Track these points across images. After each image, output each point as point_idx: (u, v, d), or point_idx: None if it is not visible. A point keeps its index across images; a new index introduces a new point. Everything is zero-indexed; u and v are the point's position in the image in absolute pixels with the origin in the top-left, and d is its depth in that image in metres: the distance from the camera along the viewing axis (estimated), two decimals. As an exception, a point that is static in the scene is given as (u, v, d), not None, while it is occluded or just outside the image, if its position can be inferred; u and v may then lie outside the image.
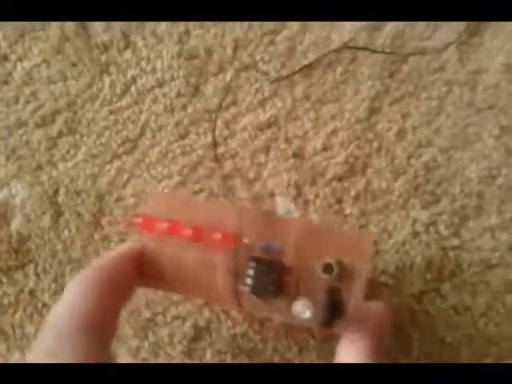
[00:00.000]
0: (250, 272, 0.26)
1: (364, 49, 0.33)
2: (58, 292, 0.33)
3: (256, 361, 0.32)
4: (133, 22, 0.34)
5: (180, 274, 0.27)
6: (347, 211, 0.32)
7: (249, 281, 0.26)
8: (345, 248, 0.27)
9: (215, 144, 0.33)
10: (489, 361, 0.31)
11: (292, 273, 0.27)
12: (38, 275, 0.33)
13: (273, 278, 0.26)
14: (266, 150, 0.33)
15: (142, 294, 0.32)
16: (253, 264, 0.26)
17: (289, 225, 0.27)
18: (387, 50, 0.33)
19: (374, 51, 0.33)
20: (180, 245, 0.27)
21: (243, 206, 0.31)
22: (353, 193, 0.32)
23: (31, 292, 0.33)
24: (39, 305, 0.33)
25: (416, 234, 0.32)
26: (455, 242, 0.32)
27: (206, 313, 0.32)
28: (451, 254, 0.32)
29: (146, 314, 0.33)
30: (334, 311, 0.26)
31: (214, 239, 0.27)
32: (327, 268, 0.26)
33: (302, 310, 0.26)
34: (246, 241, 0.27)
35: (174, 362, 0.32)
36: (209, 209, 0.28)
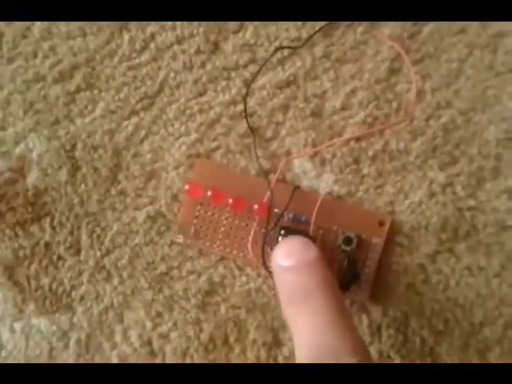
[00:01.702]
0: (279, 239, 0.31)
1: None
2: (73, 245, 0.35)
3: (269, 316, 0.34)
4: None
5: (216, 234, 0.33)
6: (364, 171, 0.34)
7: None
8: (364, 224, 0.32)
9: (246, 112, 0.35)
10: (501, 322, 0.33)
11: (316, 242, 0.31)
12: (53, 228, 0.35)
13: None
14: (285, 108, 0.35)
15: (158, 248, 0.34)
16: (282, 232, 0.31)
17: (315, 199, 0.32)
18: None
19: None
20: (219, 208, 0.33)
21: (275, 180, 0.33)
22: (370, 153, 0.34)
23: (47, 245, 0.35)
24: (54, 257, 0.35)
25: (432, 195, 0.34)
26: (471, 202, 0.33)
27: (221, 269, 0.34)
28: (467, 214, 0.33)
29: (162, 268, 0.34)
30: (351, 276, 0.31)
31: (250, 208, 0.32)
32: (347, 240, 0.32)
33: None
34: (276, 211, 0.31)
35: (188, 316, 0.34)
36: (245, 179, 0.33)
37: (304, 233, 0.31)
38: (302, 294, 0.27)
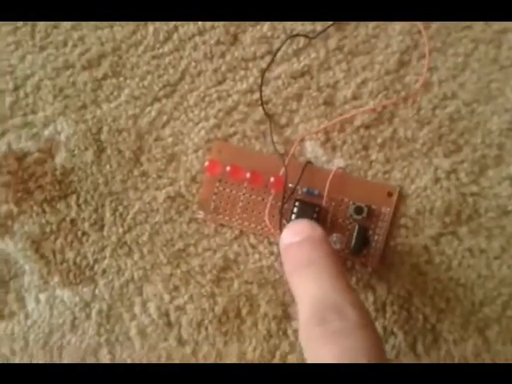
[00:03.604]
0: (294, 210, 0.35)
1: (396, 6, 0.39)
2: (97, 222, 0.38)
3: (280, 291, 0.37)
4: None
5: (234, 209, 0.37)
6: (373, 157, 0.38)
7: (292, 217, 0.35)
8: (374, 195, 0.36)
9: (262, 100, 0.39)
10: (500, 301, 0.36)
11: (328, 213, 0.35)
12: (79, 206, 0.39)
13: (312, 215, 0.35)
14: (298, 97, 0.39)
15: (176, 226, 0.38)
16: (296, 204, 0.35)
17: (327, 174, 0.36)
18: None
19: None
20: (237, 184, 0.37)
21: (289, 156, 0.37)
22: (379, 140, 0.38)
23: (72, 221, 0.39)
24: (79, 233, 0.38)
25: (437, 180, 0.37)
26: (474, 188, 0.37)
27: (235, 246, 0.38)
28: (470, 199, 0.37)
29: (179, 245, 0.38)
30: (362, 241, 0.35)
31: (267, 183, 0.35)
32: (358, 209, 0.35)
33: (336, 241, 0.34)
34: (290, 185, 0.35)
35: (203, 290, 0.38)
36: (261, 157, 0.37)
37: (317, 205, 0.35)
38: (306, 262, 0.30)
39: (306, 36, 0.37)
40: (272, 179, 0.35)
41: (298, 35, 0.37)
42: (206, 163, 0.36)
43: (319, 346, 0.27)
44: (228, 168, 0.35)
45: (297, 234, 0.32)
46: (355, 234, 0.34)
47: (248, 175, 0.35)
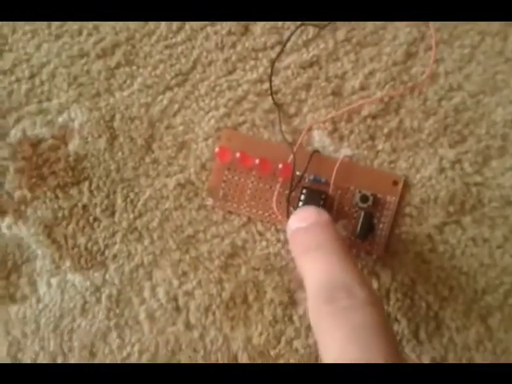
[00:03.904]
0: (302, 197, 0.36)
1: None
2: (108, 208, 0.39)
3: (286, 278, 0.38)
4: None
5: (243, 197, 0.38)
6: (379, 147, 0.39)
7: (300, 204, 0.36)
8: (380, 184, 0.37)
9: (271, 89, 0.40)
10: (502, 290, 0.37)
11: (335, 200, 0.37)
12: (91, 192, 0.40)
13: (319, 202, 0.36)
14: (307, 87, 0.40)
15: (186, 213, 0.39)
16: (304, 191, 0.36)
17: (334, 162, 0.37)
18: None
19: None
20: (245, 172, 0.37)
21: (297, 145, 0.38)
22: (385, 130, 0.39)
23: (84, 207, 0.40)
24: (91, 219, 0.39)
25: (442, 170, 0.38)
26: (478, 178, 0.38)
27: (243, 233, 0.39)
28: (474, 189, 0.38)
29: (189, 231, 0.39)
30: (368, 227, 0.36)
31: (275, 170, 0.36)
32: (364, 198, 0.36)
33: (342, 228, 0.35)
34: (298, 173, 0.36)
35: (211, 275, 0.39)
36: (269, 145, 0.38)
37: (324, 192, 0.36)
38: (313, 245, 0.31)
39: (315, 25, 0.38)
40: (280, 166, 0.36)
41: (307, 24, 0.38)
42: (217, 149, 0.37)
43: (328, 323, 0.28)
44: (238, 154, 0.36)
45: (303, 220, 0.32)
46: (361, 220, 0.35)
47: (257, 161, 0.36)
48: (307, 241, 0.32)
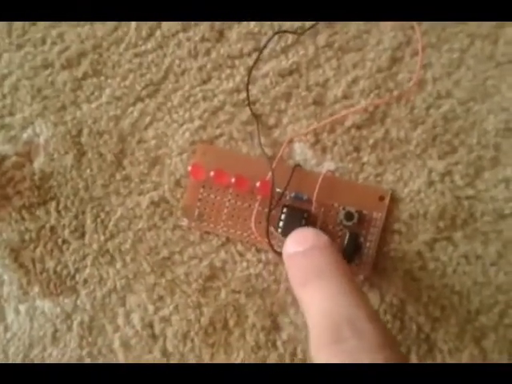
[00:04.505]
0: (282, 217, 0.34)
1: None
2: (77, 229, 0.38)
3: (268, 301, 0.37)
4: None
5: (219, 216, 0.36)
6: (364, 159, 0.37)
7: (280, 224, 0.34)
8: (365, 199, 0.35)
9: (249, 99, 0.38)
10: (497, 309, 0.35)
11: (318, 219, 0.35)
12: (59, 212, 0.38)
13: (301, 222, 0.34)
14: (287, 96, 0.38)
15: (161, 233, 0.37)
16: (284, 210, 0.34)
17: (316, 177, 0.35)
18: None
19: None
20: (222, 190, 0.36)
21: (276, 159, 0.36)
22: (371, 141, 0.37)
23: (52, 228, 0.38)
24: (59, 241, 0.37)
25: (431, 183, 0.36)
26: (470, 191, 0.36)
27: (222, 254, 0.37)
28: (465, 203, 0.36)
29: (164, 253, 0.37)
30: (354, 248, 0.34)
31: (253, 187, 0.35)
32: (348, 215, 0.34)
33: None
34: (278, 189, 0.34)
35: (189, 300, 0.37)
36: (247, 160, 0.36)
37: (306, 211, 0.35)
38: (315, 274, 0.29)
39: (293, 33, 0.36)
40: (258, 184, 0.34)
41: (285, 31, 0.36)
42: (190, 167, 0.35)
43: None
44: (212, 173, 0.34)
45: (301, 243, 0.31)
46: (346, 242, 0.34)
47: (233, 180, 0.34)
48: (305, 268, 0.30)
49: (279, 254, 0.32)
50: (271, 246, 0.34)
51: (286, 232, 0.33)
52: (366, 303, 0.28)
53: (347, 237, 0.34)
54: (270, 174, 0.34)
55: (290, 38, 0.37)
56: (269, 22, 0.37)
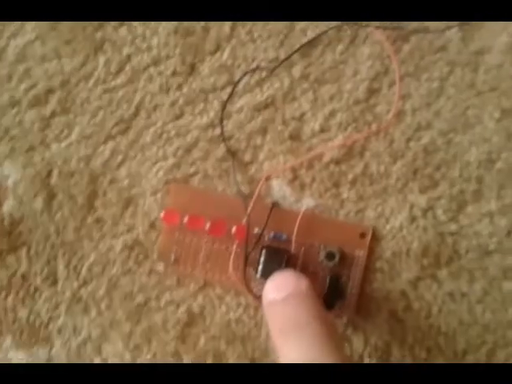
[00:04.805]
0: (261, 259, 0.33)
1: (365, 25, 0.36)
2: (50, 276, 0.36)
3: (250, 347, 0.35)
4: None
5: (197, 260, 0.35)
6: (344, 195, 0.36)
7: (259, 267, 0.33)
8: (346, 237, 0.34)
9: (223, 135, 0.37)
10: (485, 349, 0.34)
11: (298, 260, 0.34)
12: (30, 258, 0.36)
13: (281, 263, 0.33)
14: (263, 131, 0.36)
15: (136, 278, 0.36)
16: (263, 252, 0.33)
17: (295, 216, 0.34)
18: (389, 27, 0.36)
19: (376, 27, 0.36)
20: (198, 232, 0.34)
21: (253, 198, 0.35)
22: (350, 176, 0.36)
23: (23, 276, 0.36)
24: (31, 289, 0.36)
25: (413, 219, 0.35)
26: (453, 227, 0.35)
27: (200, 299, 0.36)
28: (449, 239, 0.35)
29: (140, 299, 0.36)
30: (335, 294, 0.33)
31: (229, 231, 0.34)
32: (329, 255, 0.33)
33: None
34: (256, 230, 0.33)
35: (167, 347, 0.36)
36: (224, 199, 0.35)
37: (286, 251, 0.34)
38: (291, 325, 0.28)
39: (265, 69, 0.35)
40: (234, 229, 0.33)
41: (256, 68, 0.35)
42: (162, 213, 0.33)
43: None
44: (186, 219, 0.33)
45: (281, 290, 0.30)
46: (327, 287, 0.33)
47: (208, 225, 0.33)
48: (284, 318, 0.29)
49: (259, 297, 0.31)
50: (250, 291, 0.33)
51: (265, 275, 0.32)
52: (343, 355, 0.28)
53: (328, 281, 0.33)
54: (245, 219, 0.33)
55: (265, 70, 0.35)
56: (242, 54, 0.35)
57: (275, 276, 0.31)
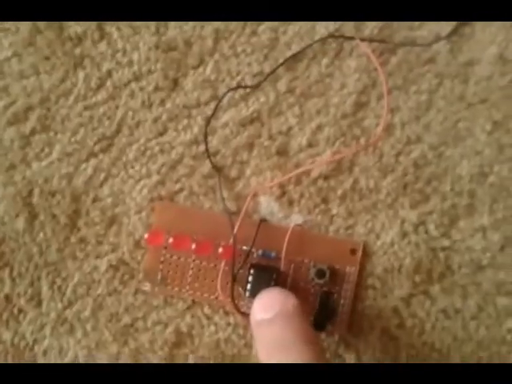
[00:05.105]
0: (249, 278, 0.32)
1: (351, 38, 0.35)
2: (34, 297, 0.35)
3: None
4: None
5: (184, 278, 0.34)
6: (334, 211, 0.35)
7: (248, 286, 0.32)
8: (337, 253, 0.33)
9: (208, 151, 0.36)
10: (479, 365, 0.34)
11: (287, 277, 0.33)
12: (13, 279, 0.35)
13: (270, 282, 0.32)
14: (249, 147, 0.35)
15: (121, 299, 0.35)
16: (251, 270, 0.32)
17: (284, 232, 0.33)
18: (375, 40, 0.35)
19: (362, 40, 0.35)
20: (184, 252, 0.34)
21: (241, 215, 0.34)
22: (339, 192, 0.35)
23: (7, 297, 0.35)
24: (15, 310, 0.35)
25: (405, 235, 0.34)
26: (445, 242, 0.34)
27: (188, 318, 0.35)
28: (441, 255, 0.34)
29: (126, 319, 0.35)
30: (326, 314, 0.32)
31: (217, 247, 0.33)
32: (319, 273, 0.32)
33: None
34: (244, 248, 0.33)
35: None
36: (210, 216, 0.34)
37: (275, 269, 0.33)
38: (277, 344, 0.28)
39: (248, 87, 0.34)
40: (220, 250, 0.32)
41: (239, 87, 0.34)
42: (146, 235, 0.32)
43: None
44: (171, 240, 0.32)
45: (268, 309, 0.29)
46: (317, 307, 0.32)
47: (193, 246, 0.32)
48: (270, 338, 0.28)
49: (248, 316, 0.31)
50: (238, 310, 0.32)
51: (254, 294, 0.31)
52: None
53: (318, 299, 0.33)
54: (232, 238, 0.32)
55: (250, 84, 0.34)
56: (225, 68, 0.35)
57: (263, 294, 0.30)
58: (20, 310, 0.35)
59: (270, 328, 0.29)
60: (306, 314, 0.30)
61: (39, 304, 0.35)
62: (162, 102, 0.35)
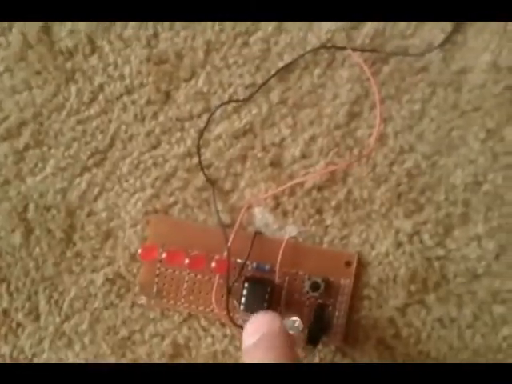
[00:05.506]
0: (244, 291, 0.32)
1: (343, 48, 0.35)
2: (31, 311, 0.35)
3: (237, 379, 0.35)
4: (99, 23, 0.36)
5: (179, 292, 0.34)
6: (328, 222, 0.35)
7: (242, 299, 0.32)
8: (331, 265, 0.33)
9: (201, 164, 0.36)
10: (476, 373, 0.34)
11: (282, 290, 0.33)
12: (10, 294, 0.35)
13: (264, 295, 0.32)
14: (242, 159, 0.35)
15: (118, 312, 0.35)
16: (246, 283, 0.32)
17: (278, 245, 0.33)
18: (366, 49, 0.35)
19: (353, 49, 0.35)
20: (178, 267, 0.34)
21: (235, 227, 0.34)
22: (333, 203, 0.35)
23: (5, 312, 0.35)
24: (13, 325, 0.35)
25: (399, 245, 0.34)
26: (440, 251, 0.34)
27: (185, 330, 0.35)
28: (436, 264, 0.34)
29: (123, 332, 0.35)
30: (320, 328, 0.32)
31: (210, 264, 0.33)
32: (314, 286, 0.32)
33: (292, 327, 0.31)
34: (239, 261, 0.33)
35: (153, 381, 0.35)
36: (205, 229, 0.34)
37: (269, 282, 0.33)
38: None
39: (239, 101, 0.34)
40: (213, 264, 0.32)
41: (231, 101, 0.34)
42: (139, 250, 0.32)
43: None
44: (164, 255, 0.32)
45: (255, 333, 0.29)
46: (311, 320, 0.32)
47: (187, 261, 0.32)
48: (256, 360, 0.28)
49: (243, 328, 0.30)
50: (234, 323, 0.32)
51: (248, 308, 0.32)
52: None
53: (313, 313, 0.33)
54: (226, 251, 0.32)
55: (242, 95, 0.34)
56: (217, 80, 0.34)
57: (253, 319, 0.30)
58: (18, 325, 0.35)
59: (255, 352, 0.29)
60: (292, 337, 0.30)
61: (37, 318, 0.35)
62: (155, 115, 0.35)
